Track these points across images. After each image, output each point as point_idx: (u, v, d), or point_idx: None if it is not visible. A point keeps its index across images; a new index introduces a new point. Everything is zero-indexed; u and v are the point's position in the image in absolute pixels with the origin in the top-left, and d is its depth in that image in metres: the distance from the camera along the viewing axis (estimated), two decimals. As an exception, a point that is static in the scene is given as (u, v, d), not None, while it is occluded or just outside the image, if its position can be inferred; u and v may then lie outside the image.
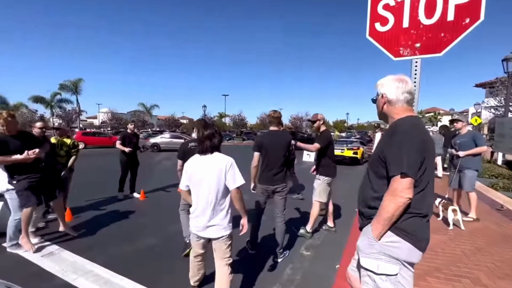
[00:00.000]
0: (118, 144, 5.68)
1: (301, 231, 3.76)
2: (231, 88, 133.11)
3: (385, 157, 1.29)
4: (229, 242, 2.12)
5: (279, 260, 3.03)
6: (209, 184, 2.01)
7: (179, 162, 3.13)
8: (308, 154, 13.60)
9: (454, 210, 3.83)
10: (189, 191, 2.15)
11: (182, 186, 2.18)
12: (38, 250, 3.21)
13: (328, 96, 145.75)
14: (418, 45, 1.82)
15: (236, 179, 2.03)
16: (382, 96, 1.43)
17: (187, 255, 2.81)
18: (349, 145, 12.08)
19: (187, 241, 3.03)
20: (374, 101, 1.53)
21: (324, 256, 3.19)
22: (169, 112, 58.14)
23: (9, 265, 2.89)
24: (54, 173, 3.84)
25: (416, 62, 1.88)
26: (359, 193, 1.50)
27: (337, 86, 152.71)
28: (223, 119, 54.12)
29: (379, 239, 1.26)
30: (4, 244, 3.19)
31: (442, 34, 1.75)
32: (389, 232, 1.26)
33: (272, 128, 3.12)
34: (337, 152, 11.87)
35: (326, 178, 3.68)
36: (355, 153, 11.52)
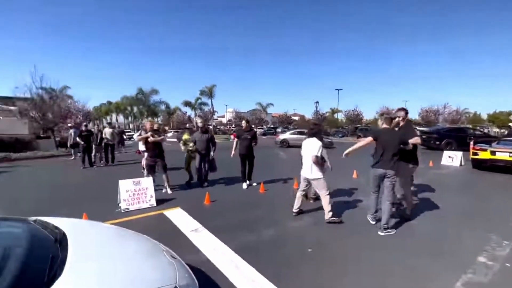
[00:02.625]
0: (234, 142, 6.47)
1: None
2: (345, 81, 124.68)
3: None
4: (322, 181, 4.05)
5: (382, 233, 3.66)
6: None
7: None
8: (450, 157, 10.71)
9: None
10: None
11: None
12: (188, 225, 4.01)
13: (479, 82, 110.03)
14: None
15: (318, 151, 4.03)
16: None
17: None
18: (525, 146, 8.52)
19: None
20: None
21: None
22: (282, 110, 61.15)
23: (168, 233, 3.73)
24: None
25: None
26: None
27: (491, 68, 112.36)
28: (335, 115, 51.60)
29: None
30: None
31: None
32: None
33: (384, 126, 3.91)
34: (503, 156, 8.67)
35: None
36: (537, 158, 7.99)
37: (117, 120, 56.22)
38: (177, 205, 5.00)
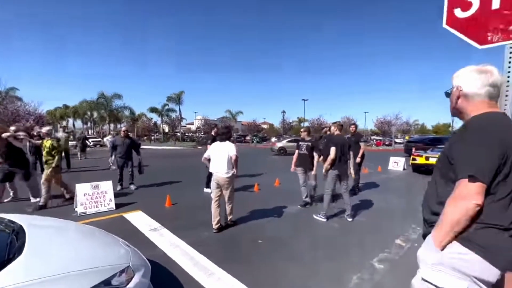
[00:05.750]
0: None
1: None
2: (312, 92, 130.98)
3: (453, 157, 1.17)
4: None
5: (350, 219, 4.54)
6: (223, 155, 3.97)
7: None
8: (395, 162, 12.06)
9: None
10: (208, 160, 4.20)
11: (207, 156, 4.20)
12: (148, 226, 4.16)
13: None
14: (513, 28, 1.48)
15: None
16: (457, 89, 1.29)
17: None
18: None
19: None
20: (448, 94, 1.38)
21: (400, 273, 2.87)
22: (252, 118, 62.03)
23: (126, 232, 3.84)
24: None
25: (511, 48, 1.52)
26: (424, 197, 1.38)
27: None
28: (301, 124, 53.90)
29: (442, 249, 1.15)
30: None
31: (548, 12, 1.36)
32: (456, 243, 1.12)
33: (337, 132, 4.73)
34: (434, 161, 10.09)
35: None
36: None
37: (74, 125, 52.17)
38: (138, 208, 5.08)
